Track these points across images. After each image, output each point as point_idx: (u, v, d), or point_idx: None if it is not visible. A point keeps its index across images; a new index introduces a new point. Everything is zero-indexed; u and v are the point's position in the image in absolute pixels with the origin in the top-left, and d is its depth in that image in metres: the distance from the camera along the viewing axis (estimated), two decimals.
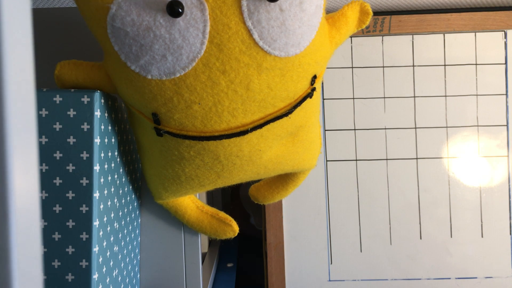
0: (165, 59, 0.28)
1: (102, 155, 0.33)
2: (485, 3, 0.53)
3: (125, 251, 0.39)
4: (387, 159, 0.53)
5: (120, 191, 0.37)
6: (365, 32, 0.53)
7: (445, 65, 0.53)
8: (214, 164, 0.34)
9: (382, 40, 0.53)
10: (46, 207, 0.31)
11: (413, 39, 0.53)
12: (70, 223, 0.31)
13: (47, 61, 0.37)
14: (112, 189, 0.35)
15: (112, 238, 0.35)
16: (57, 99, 0.31)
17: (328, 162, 0.54)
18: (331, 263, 0.53)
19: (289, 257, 0.53)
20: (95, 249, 0.31)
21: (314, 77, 0.33)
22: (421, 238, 0.53)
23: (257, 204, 0.48)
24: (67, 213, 0.31)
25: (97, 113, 0.32)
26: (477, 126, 0.53)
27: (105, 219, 0.33)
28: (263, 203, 0.47)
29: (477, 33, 0.53)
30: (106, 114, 0.33)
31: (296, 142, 0.37)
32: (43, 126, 0.31)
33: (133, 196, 0.41)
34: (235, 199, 0.74)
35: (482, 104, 0.53)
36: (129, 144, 0.40)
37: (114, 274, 0.36)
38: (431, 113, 0.53)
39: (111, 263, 0.35)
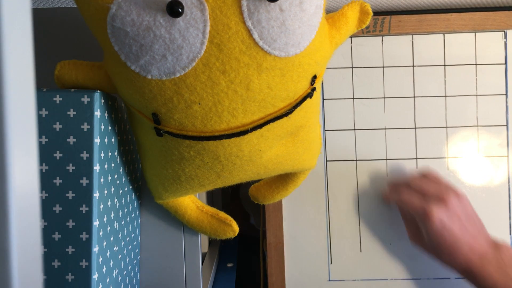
0: (165, 59, 0.28)
1: (102, 155, 0.33)
2: (485, 3, 0.53)
3: (125, 251, 0.39)
4: (387, 159, 0.53)
5: (120, 191, 0.37)
6: (365, 32, 0.53)
7: (445, 65, 0.53)
8: (214, 164, 0.34)
9: (382, 40, 0.53)
10: (46, 207, 0.31)
11: (413, 39, 0.53)
12: (70, 223, 0.31)
13: (47, 61, 0.37)
14: (112, 189, 0.35)
15: (112, 238, 0.35)
16: (57, 99, 0.31)
17: (328, 162, 0.54)
18: (331, 263, 0.53)
19: (289, 257, 0.53)
20: (95, 249, 0.31)
21: (314, 77, 0.33)
22: None
23: (257, 204, 0.48)
24: (67, 213, 0.31)
25: (97, 113, 0.32)
26: (477, 126, 0.53)
27: (105, 219, 0.33)
28: (263, 203, 0.47)
29: (477, 33, 0.53)
30: (106, 114, 0.33)
31: (296, 142, 0.37)
32: (43, 126, 0.31)
33: (133, 196, 0.41)
34: (235, 199, 0.74)
35: (482, 104, 0.53)
36: (129, 144, 0.40)
37: (114, 274, 0.36)
38: (431, 113, 0.53)
39: (111, 263, 0.35)
